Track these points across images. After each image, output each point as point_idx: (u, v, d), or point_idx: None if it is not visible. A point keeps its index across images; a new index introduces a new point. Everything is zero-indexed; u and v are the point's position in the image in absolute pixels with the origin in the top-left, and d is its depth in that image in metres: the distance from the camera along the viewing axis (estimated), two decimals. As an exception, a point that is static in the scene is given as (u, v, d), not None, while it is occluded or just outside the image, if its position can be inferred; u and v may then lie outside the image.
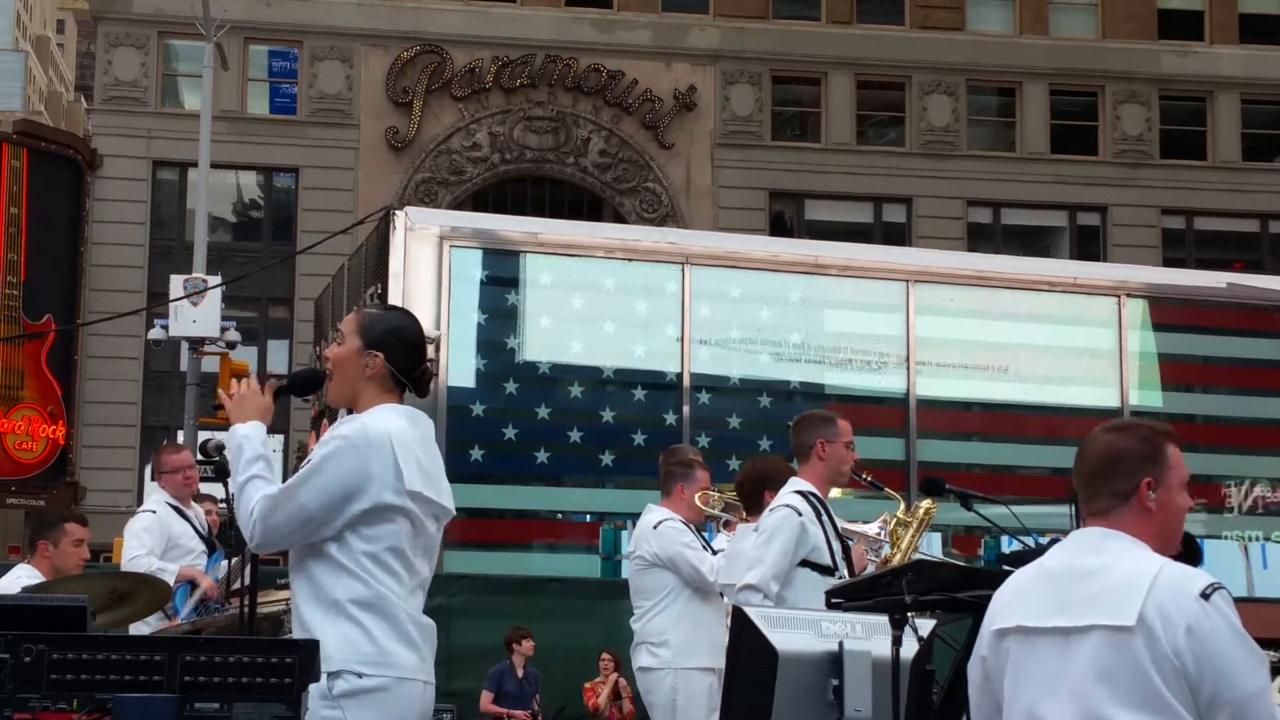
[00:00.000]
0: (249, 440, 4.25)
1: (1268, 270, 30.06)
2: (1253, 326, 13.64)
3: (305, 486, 4.08)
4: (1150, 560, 3.41)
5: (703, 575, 7.47)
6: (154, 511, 8.63)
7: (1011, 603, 3.59)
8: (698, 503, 7.79)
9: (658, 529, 7.62)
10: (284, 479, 4.21)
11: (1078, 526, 3.61)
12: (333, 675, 3.95)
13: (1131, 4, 33.79)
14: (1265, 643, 3.46)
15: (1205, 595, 3.31)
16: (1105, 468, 3.55)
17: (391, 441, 4.10)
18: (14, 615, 3.26)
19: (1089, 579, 3.43)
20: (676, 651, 7.50)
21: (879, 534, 6.83)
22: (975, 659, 3.67)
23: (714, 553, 7.69)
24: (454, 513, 4.34)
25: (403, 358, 4.26)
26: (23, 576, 6.93)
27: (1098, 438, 3.60)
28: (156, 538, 8.46)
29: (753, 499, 7.06)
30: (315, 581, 4.10)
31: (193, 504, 8.89)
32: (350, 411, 4.38)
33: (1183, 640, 3.27)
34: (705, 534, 8.07)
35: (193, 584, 8.33)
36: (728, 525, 8.21)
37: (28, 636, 3.17)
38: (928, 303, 12.92)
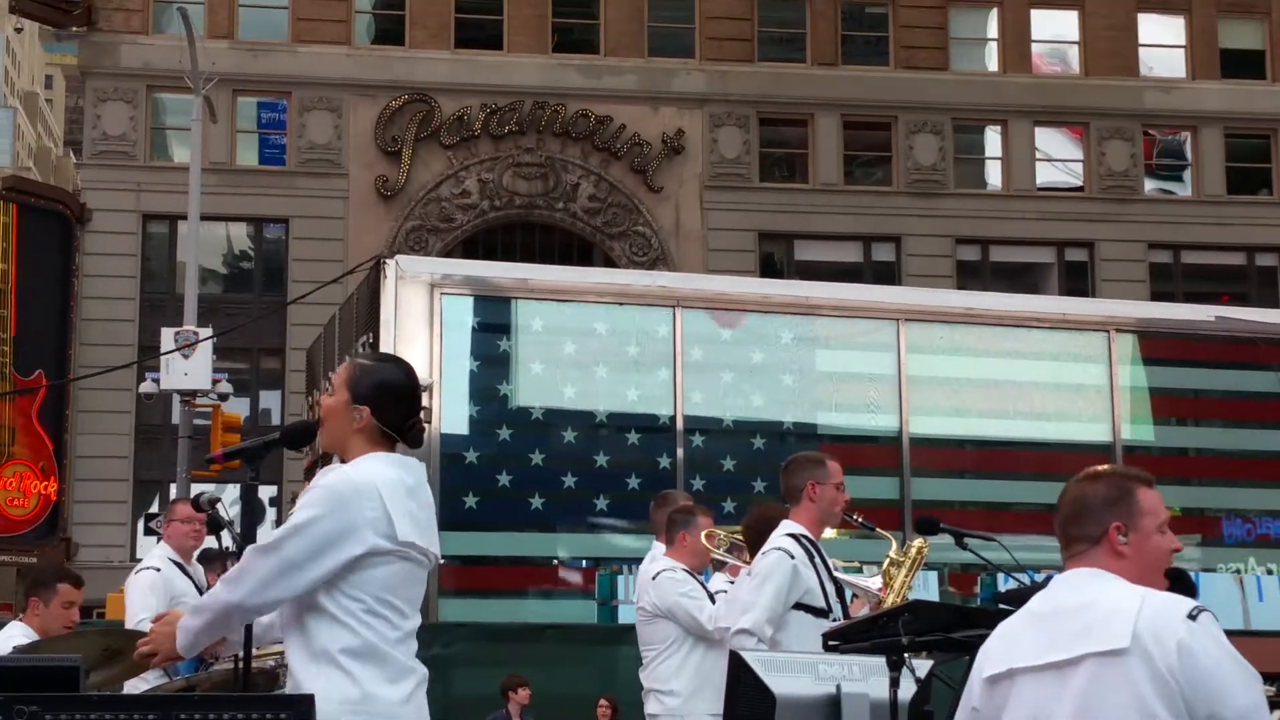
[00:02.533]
0: (181, 628, 4.23)
1: (1255, 303, 30.18)
2: (1242, 359, 13.65)
3: (290, 539, 4.06)
4: (1134, 589, 3.47)
5: (701, 624, 7.49)
6: (158, 569, 8.52)
7: (1001, 649, 3.62)
8: (704, 542, 7.79)
9: (656, 580, 7.63)
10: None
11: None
12: None
13: (1114, 42, 34.03)
14: (1264, 677, 3.45)
15: (1192, 616, 3.35)
16: (1075, 514, 3.63)
17: (379, 489, 4.09)
18: (6, 676, 3.24)
19: (1077, 614, 3.48)
20: (683, 698, 7.52)
21: (881, 590, 6.83)
22: (964, 710, 3.67)
23: (712, 597, 7.69)
24: (440, 559, 4.35)
25: (391, 412, 4.24)
26: (16, 635, 6.89)
27: (1069, 487, 3.69)
28: (160, 596, 8.36)
29: (760, 544, 7.03)
30: (306, 632, 4.09)
31: (194, 561, 8.80)
32: (340, 460, 4.37)
33: (1175, 659, 3.29)
34: (703, 576, 8.05)
35: None
36: (730, 569, 8.20)
37: (20, 698, 3.14)
38: (919, 341, 12.93)
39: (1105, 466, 3.77)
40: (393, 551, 4.08)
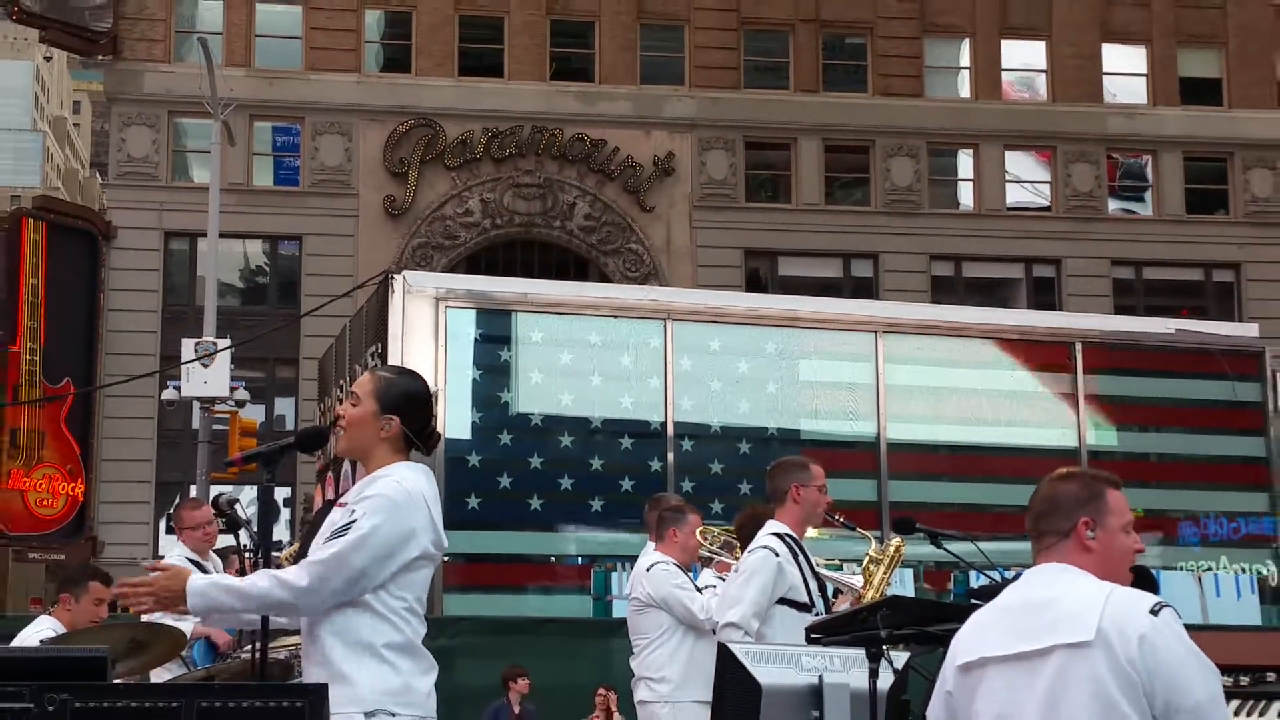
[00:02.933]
0: (198, 592, 4.08)
1: (1213, 316, 30.21)
2: (1200, 369, 13.69)
3: (358, 550, 4.07)
4: (1101, 585, 3.48)
5: (694, 614, 7.49)
6: None
7: (974, 639, 3.63)
8: (698, 536, 7.83)
9: (650, 572, 7.65)
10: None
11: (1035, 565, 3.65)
12: (369, 715, 4.01)
13: (1079, 70, 34.09)
14: (1221, 669, 3.46)
15: (1154, 611, 3.36)
16: (1047, 509, 3.63)
17: (425, 498, 4.19)
18: (37, 666, 3.24)
19: (1046, 607, 3.48)
20: (674, 685, 7.50)
21: (861, 586, 6.84)
22: (938, 695, 3.68)
23: (700, 591, 7.71)
24: (445, 556, 4.46)
25: (417, 420, 4.32)
26: (45, 629, 6.88)
27: (1043, 484, 3.70)
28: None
29: (752, 540, 7.04)
30: (349, 626, 4.10)
31: (211, 555, 8.80)
32: (359, 465, 4.40)
33: (1136, 651, 3.30)
34: (691, 573, 8.06)
35: (208, 640, 8.22)
36: (718, 565, 8.21)
37: (51, 686, 3.15)
38: (895, 352, 12.96)
39: (1076, 468, 3.78)
40: (434, 556, 4.19)
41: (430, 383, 11.87)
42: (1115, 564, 3.58)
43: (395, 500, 4.12)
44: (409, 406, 4.30)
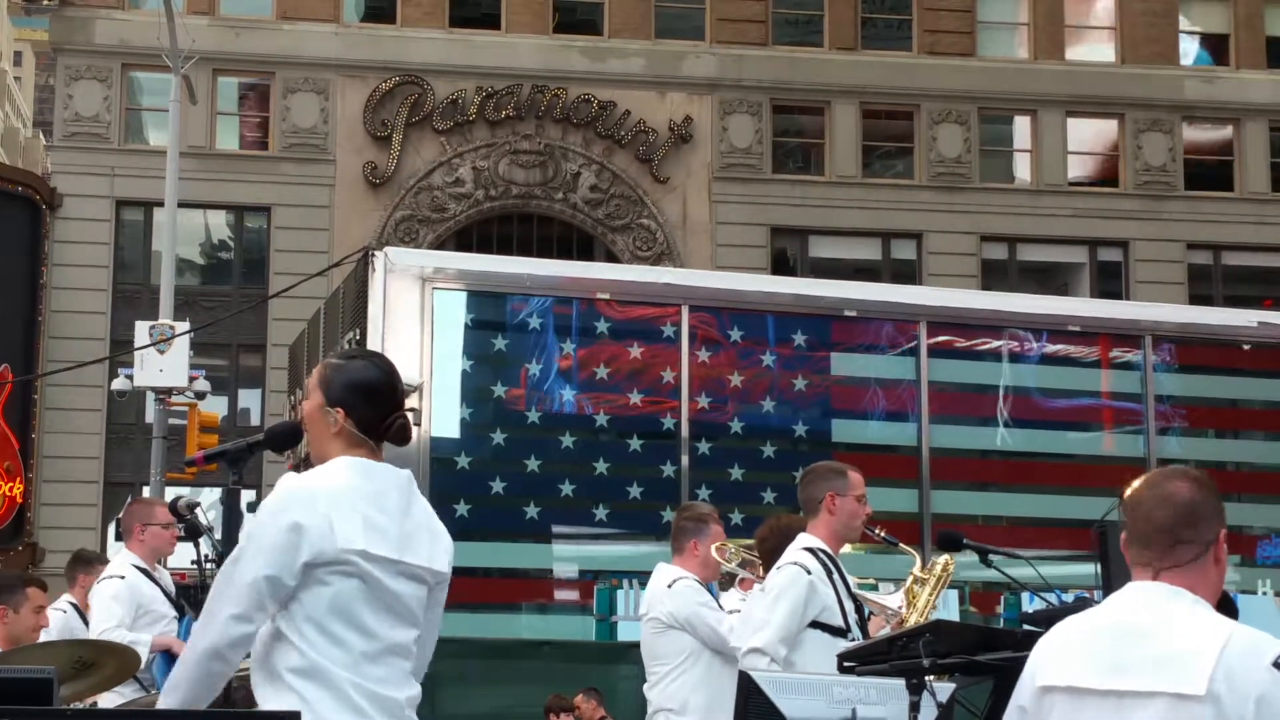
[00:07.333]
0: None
1: (1300, 307, 30.16)
2: (1285, 367, 13.66)
3: (241, 559, 4.07)
4: (1218, 623, 3.43)
5: (722, 636, 7.42)
6: (122, 577, 8.58)
7: (1060, 658, 3.59)
8: (714, 554, 7.79)
9: (672, 588, 7.59)
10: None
11: (1103, 583, 3.64)
12: None
13: (1152, 28, 34.02)
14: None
15: (1278, 664, 3.33)
16: (1190, 518, 3.53)
17: (317, 496, 4.08)
18: (-26, 688, 3.25)
19: (1148, 638, 3.44)
20: (699, 718, 7.46)
21: (900, 608, 6.83)
22: (1012, 711, 3.67)
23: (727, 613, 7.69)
24: (444, 573, 4.32)
25: (365, 412, 4.22)
26: (-17, 645, 6.92)
27: (1173, 484, 3.56)
28: (126, 606, 8.42)
29: (776, 557, 7.02)
30: (260, 650, 4.10)
31: (158, 567, 8.86)
32: None
33: (1251, 712, 3.28)
34: (710, 591, 8.05)
35: (169, 652, 8.28)
36: (743, 582, 8.20)
37: (-11, 710, 3.16)
38: (941, 345, 12.95)
39: (1191, 470, 3.67)
40: (336, 563, 4.04)
41: (414, 373, 11.84)
42: (1220, 587, 3.57)
43: (269, 506, 4.11)
44: (355, 397, 4.22)
